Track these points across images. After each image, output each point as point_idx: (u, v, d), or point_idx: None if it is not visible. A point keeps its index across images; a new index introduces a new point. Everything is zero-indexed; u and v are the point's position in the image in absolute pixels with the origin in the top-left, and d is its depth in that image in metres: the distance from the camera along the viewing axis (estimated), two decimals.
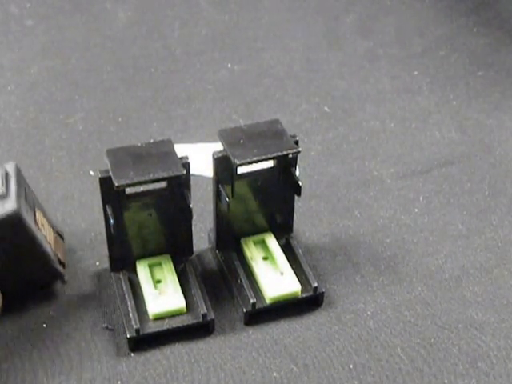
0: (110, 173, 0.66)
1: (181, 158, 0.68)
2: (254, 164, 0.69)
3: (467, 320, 0.71)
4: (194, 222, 0.73)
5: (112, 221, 0.67)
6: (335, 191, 0.85)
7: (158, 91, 1.01)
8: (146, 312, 0.69)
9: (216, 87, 1.01)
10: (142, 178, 0.65)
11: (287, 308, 0.71)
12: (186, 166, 0.68)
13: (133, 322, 0.68)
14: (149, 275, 0.72)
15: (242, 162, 0.67)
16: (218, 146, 0.70)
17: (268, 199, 0.74)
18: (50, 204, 0.81)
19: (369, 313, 0.72)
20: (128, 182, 0.65)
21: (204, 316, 0.68)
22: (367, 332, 0.70)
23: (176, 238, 0.73)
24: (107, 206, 0.68)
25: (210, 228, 0.76)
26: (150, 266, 0.73)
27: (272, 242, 0.75)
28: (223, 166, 0.69)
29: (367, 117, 0.96)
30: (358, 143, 0.92)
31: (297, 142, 0.70)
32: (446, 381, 0.66)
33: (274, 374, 0.66)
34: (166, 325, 0.68)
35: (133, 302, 0.69)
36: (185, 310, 0.69)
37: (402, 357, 0.68)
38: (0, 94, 0.99)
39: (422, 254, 0.77)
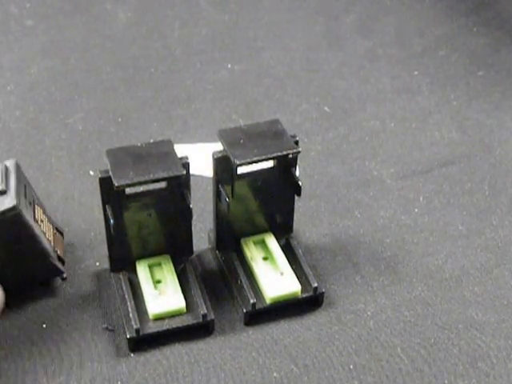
0: (110, 173, 0.66)
1: (181, 158, 0.68)
2: (254, 164, 0.69)
3: (467, 320, 0.71)
4: (193, 222, 0.72)
5: (112, 221, 0.67)
6: (335, 191, 0.85)
7: (157, 91, 1.00)
8: (145, 312, 0.69)
9: (216, 87, 1.01)
10: (142, 178, 0.65)
11: (287, 308, 0.71)
12: (186, 166, 0.68)
13: (133, 323, 0.68)
14: (149, 275, 0.72)
15: (242, 162, 0.67)
16: (218, 146, 0.70)
17: (268, 199, 0.74)
18: (50, 204, 0.81)
19: (369, 313, 0.71)
20: (128, 182, 0.65)
21: (204, 316, 0.68)
22: (367, 332, 0.70)
23: (176, 238, 0.73)
24: (107, 206, 0.68)
25: (210, 228, 0.76)
26: (150, 266, 0.73)
27: (272, 242, 0.75)
28: (223, 166, 0.69)
29: (367, 117, 0.96)
30: (358, 143, 0.92)
31: (297, 142, 0.70)
32: (446, 381, 0.66)
33: (274, 375, 0.66)
34: (166, 325, 0.68)
35: (133, 302, 0.69)
36: (185, 310, 0.69)
37: (402, 357, 0.68)
38: (0, 94, 0.99)
39: (422, 254, 0.77)
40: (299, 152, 0.69)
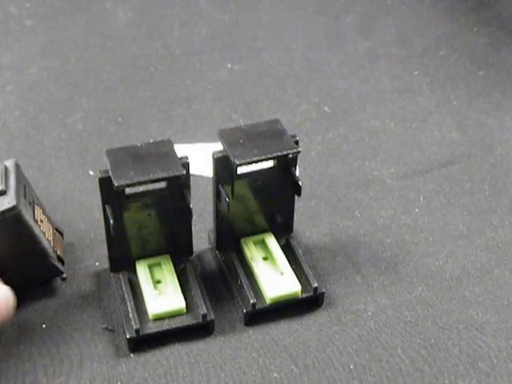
0: (110, 173, 0.65)
1: (181, 158, 0.68)
2: (254, 164, 0.68)
3: (468, 320, 0.71)
4: (193, 222, 0.72)
5: (112, 221, 0.67)
6: (335, 191, 0.85)
7: (157, 91, 1.00)
8: (145, 312, 0.69)
9: (216, 87, 1.01)
10: (142, 178, 0.65)
11: (287, 308, 0.71)
12: (186, 166, 0.68)
13: (132, 323, 0.67)
14: (148, 275, 0.71)
15: (242, 162, 0.67)
16: (218, 146, 0.69)
17: (268, 199, 0.74)
18: (50, 204, 0.81)
19: (369, 313, 0.71)
20: (128, 182, 0.65)
21: (204, 316, 0.68)
22: (367, 332, 0.70)
23: (176, 238, 0.73)
24: (107, 207, 0.68)
25: (210, 228, 0.76)
26: (150, 267, 0.72)
27: (272, 242, 0.75)
28: (223, 166, 0.69)
29: (367, 117, 0.96)
30: (358, 143, 0.92)
31: (297, 142, 0.70)
32: (446, 381, 0.66)
33: (274, 375, 0.66)
34: (166, 325, 0.68)
35: (132, 302, 0.69)
36: (185, 310, 0.69)
37: (402, 357, 0.67)
38: None
39: (423, 254, 0.77)
40: (299, 152, 0.69)
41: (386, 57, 1.08)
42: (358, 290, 0.74)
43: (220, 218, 0.73)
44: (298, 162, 0.73)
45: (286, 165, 0.71)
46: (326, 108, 0.98)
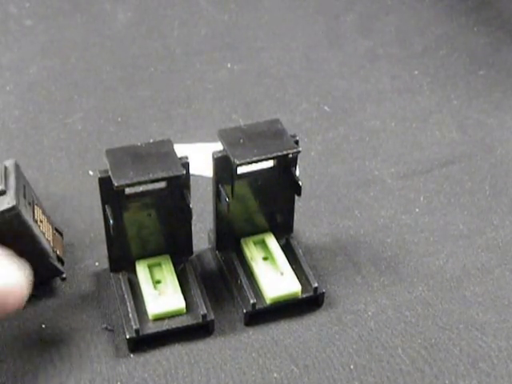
0: (110, 173, 0.65)
1: (180, 158, 0.67)
2: (254, 164, 0.68)
3: (468, 320, 0.71)
4: (193, 222, 0.72)
5: (111, 221, 0.67)
6: (335, 191, 0.85)
7: (157, 91, 1.00)
8: (145, 312, 0.69)
9: (216, 87, 1.01)
10: (142, 178, 0.65)
11: (287, 308, 0.71)
12: (186, 165, 0.68)
13: (132, 323, 0.67)
14: (148, 275, 0.71)
15: (242, 161, 0.67)
16: (218, 146, 0.69)
17: (268, 199, 0.74)
18: (50, 204, 0.81)
19: (369, 313, 0.71)
20: (127, 182, 0.65)
21: (204, 316, 0.68)
22: (368, 332, 0.70)
23: (176, 238, 0.73)
24: (106, 207, 0.68)
25: (210, 228, 0.76)
26: (150, 267, 0.72)
27: (272, 242, 0.75)
28: (223, 166, 0.69)
29: (367, 116, 0.96)
30: (358, 143, 0.92)
31: (297, 142, 0.70)
32: (446, 381, 0.65)
33: (275, 375, 0.66)
34: (166, 325, 0.68)
35: (132, 302, 0.69)
36: (184, 310, 0.69)
37: (402, 357, 0.67)
38: None
39: (423, 254, 0.77)
40: (299, 152, 0.69)
41: (386, 56, 1.08)
42: (359, 290, 0.73)
43: (220, 218, 0.73)
44: (298, 161, 0.73)
45: (286, 165, 0.71)
46: (326, 108, 0.97)
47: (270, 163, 0.71)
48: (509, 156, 0.90)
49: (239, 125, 0.71)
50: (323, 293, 0.71)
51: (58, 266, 0.71)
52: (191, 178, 0.69)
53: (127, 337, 0.67)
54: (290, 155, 0.69)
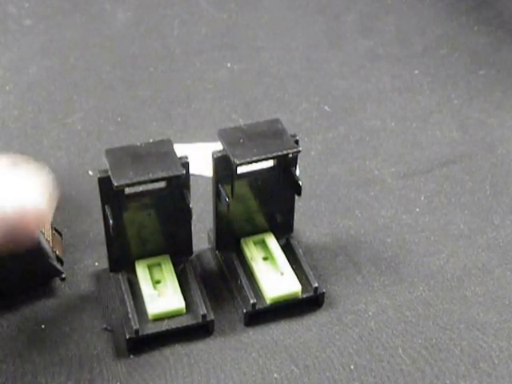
0: (109, 173, 0.65)
1: (180, 158, 0.67)
2: (254, 164, 0.68)
3: (469, 320, 0.70)
4: (193, 222, 0.72)
5: (111, 221, 0.67)
6: (336, 191, 0.85)
7: (157, 91, 1.00)
8: (145, 313, 0.69)
9: (216, 87, 1.01)
10: (142, 178, 0.65)
11: (287, 308, 0.71)
12: (186, 165, 0.68)
13: (132, 323, 0.67)
14: (148, 276, 0.71)
15: (242, 161, 0.67)
16: (218, 146, 0.69)
17: (268, 199, 0.73)
18: None
19: (370, 313, 0.71)
20: (127, 181, 0.64)
21: (204, 317, 0.68)
22: (368, 333, 0.69)
23: (175, 238, 0.73)
24: (106, 206, 0.68)
25: (210, 228, 0.76)
26: (150, 267, 0.72)
27: (272, 242, 0.75)
28: (223, 166, 0.69)
29: (368, 116, 0.96)
30: (358, 143, 0.91)
31: (297, 142, 0.70)
32: (447, 381, 0.65)
33: (275, 375, 0.66)
34: (166, 325, 0.68)
35: (132, 302, 0.69)
36: (184, 310, 0.69)
37: (403, 357, 0.67)
38: None
39: (424, 253, 0.77)
40: (299, 151, 0.69)
41: (386, 56, 1.07)
42: (359, 290, 0.73)
43: (220, 218, 0.73)
44: (298, 161, 0.72)
45: (286, 164, 0.71)
46: (326, 107, 0.97)
47: (269, 163, 0.71)
48: (509, 155, 0.90)
49: (239, 125, 0.71)
50: (323, 293, 0.71)
51: (58, 266, 0.71)
52: (191, 177, 0.69)
53: (127, 337, 0.67)
54: (290, 155, 0.69)
